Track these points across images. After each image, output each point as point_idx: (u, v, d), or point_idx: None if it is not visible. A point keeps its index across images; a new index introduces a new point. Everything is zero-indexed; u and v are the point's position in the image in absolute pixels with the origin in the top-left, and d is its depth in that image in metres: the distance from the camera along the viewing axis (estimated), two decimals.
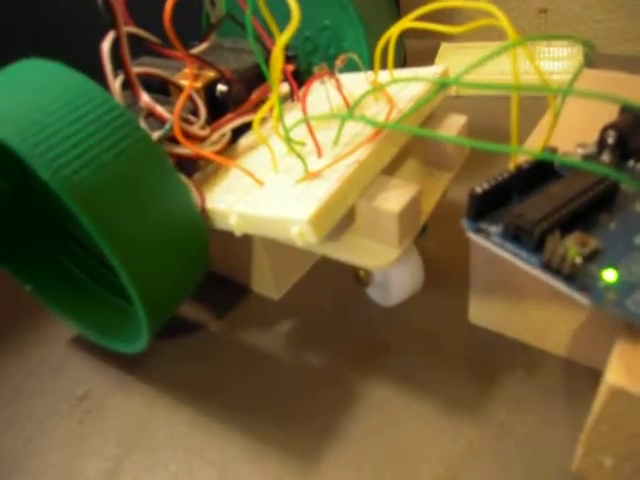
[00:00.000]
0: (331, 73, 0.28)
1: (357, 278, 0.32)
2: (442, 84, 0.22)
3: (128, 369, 0.32)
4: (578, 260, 0.21)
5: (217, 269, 0.36)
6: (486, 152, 0.22)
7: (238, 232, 0.27)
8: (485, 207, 0.24)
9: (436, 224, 0.33)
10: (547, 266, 0.22)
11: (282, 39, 0.22)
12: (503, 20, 0.23)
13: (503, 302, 0.30)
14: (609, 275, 0.21)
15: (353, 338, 0.32)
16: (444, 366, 0.30)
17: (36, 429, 0.30)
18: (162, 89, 0.33)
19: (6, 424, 0.31)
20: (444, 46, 0.61)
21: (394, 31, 0.28)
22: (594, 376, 0.22)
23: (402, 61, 0.48)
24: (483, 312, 0.31)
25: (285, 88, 0.35)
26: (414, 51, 0.63)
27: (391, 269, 0.30)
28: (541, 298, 0.28)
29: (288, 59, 0.35)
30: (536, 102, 0.35)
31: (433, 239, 0.34)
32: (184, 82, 0.32)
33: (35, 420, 0.31)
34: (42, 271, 0.34)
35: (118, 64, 0.30)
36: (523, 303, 0.29)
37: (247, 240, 0.32)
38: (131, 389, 0.32)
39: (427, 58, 0.59)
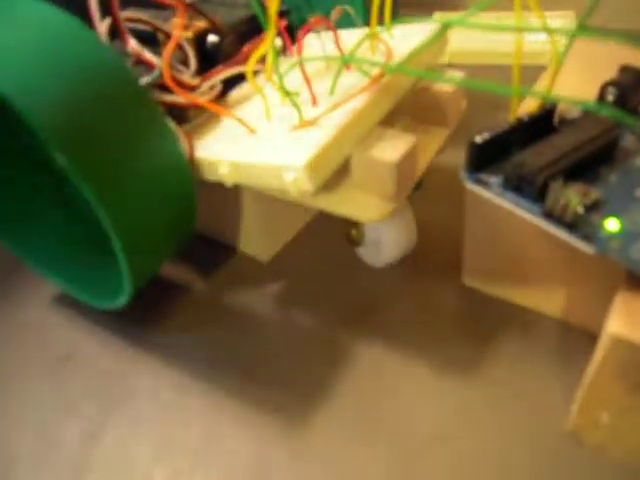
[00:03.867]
0: (327, 21, 0.27)
1: (348, 238, 0.31)
2: (445, 26, 0.21)
3: (112, 331, 0.32)
4: (580, 209, 0.21)
5: (205, 230, 0.35)
6: (483, 114, 0.22)
7: (229, 182, 0.26)
8: (484, 159, 0.24)
9: (431, 185, 0.32)
10: (549, 215, 0.21)
11: None
12: None
13: (498, 263, 0.29)
14: (612, 224, 0.21)
15: (344, 300, 0.32)
16: (437, 327, 0.30)
17: (16, 389, 0.29)
18: (150, 40, 0.32)
19: None
20: (437, 15, 0.60)
21: None
22: (589, 338, 0.22)
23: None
24: (477, 273, 0.31)
25: (278, 43, 0.34)
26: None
27: (383, 227, 0.29)
28: (537, 259, 0.28)
29: (281, 14, 0.34)
30: (536, 72, 0.34)
31: (427, 199, 0.33)
32: (174, 31, 0.31)
33: (16, 379, 0.30)
34: (23, 225, 0.33)
35: (105, 13, 0.29)
36: (518, 264, 0.29)
37: (237, 200, 0.31)
38: (115, 351, 0.31)
39: None
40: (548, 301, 0.29)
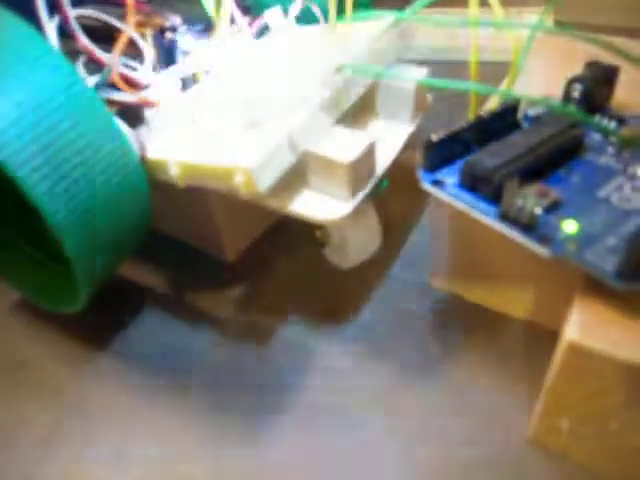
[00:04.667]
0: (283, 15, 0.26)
1: (314, 239, 0.30)
2: (399, 18, 0.20)
3: (71, 335, 0.31)
4: (537, 211, 0.20)
5: (168, 229, 0.34)
6: (450, 113, 0.21)
7: (181, 183, 0.25)
8: (442, 158, 0.23)
9: (395, 184, 0.31)
10: (505, 217, 0.20)
11: None
12: None
13: (463, 264, 0.29)
14: (570, 226, 0.20)
15: (309, 302, 0.31)
16: (402, 329, 0.29)
17: None
18: (108, 39, 0.31)
19: None
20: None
21: None
22: (553, 338, 0.21)
23: None
24: (442, 274, 0.30)
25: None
26: None
27: (347, 228, 0.28)
28: (501, 260, 0.27)
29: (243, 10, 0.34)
30: (500, 68, 0.33)
31: (392, 199, 0.33)
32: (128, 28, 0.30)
33: None
34: None
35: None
36: (483, 265, 0.28)
37: (199, 198, 0.30)
38: (73, 354, 0.30)
39: None
40: (513, 302, 0.28)
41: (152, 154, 0.26)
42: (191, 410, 0.26)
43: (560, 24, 0.54)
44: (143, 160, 0.25)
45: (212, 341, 0.29)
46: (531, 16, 0.55)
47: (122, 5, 0.30)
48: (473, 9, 0.20)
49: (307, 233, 0.29)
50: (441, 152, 0.23)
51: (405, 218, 0.34)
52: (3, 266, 0.31)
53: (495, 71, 0.31)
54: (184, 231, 0.34)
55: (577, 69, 0.27)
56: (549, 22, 0.53)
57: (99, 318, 0.31)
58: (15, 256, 0.32)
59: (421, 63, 0.30)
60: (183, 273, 0.34)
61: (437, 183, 0.23)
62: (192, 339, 0.30)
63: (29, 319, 0.32)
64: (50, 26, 0.27)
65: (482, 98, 0.25)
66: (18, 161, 0.21)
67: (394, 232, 0.32)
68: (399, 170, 0.29)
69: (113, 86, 0.27)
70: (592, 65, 0.27)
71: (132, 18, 0.27)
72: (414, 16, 0.20)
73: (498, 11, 0.21)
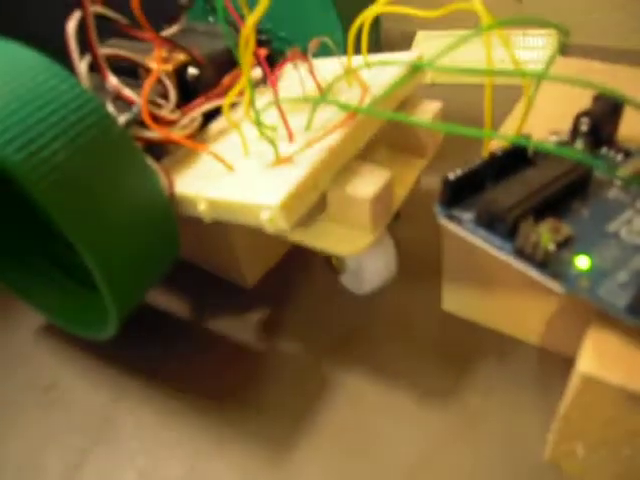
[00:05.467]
0: (303, 56, 0.28)
1: (330, 265, 0.31)
2: (415, 68, 0.21)
3: (96, 359, 0.32)
4: (551, 247, 0.21)
5: (188, 256, 0.35)
6: (460, 140, 0.22)
7: (207, 219, 0.26)
8: (458, 194, 0.24)
9: (410, 211, 0.32)
10: (520, 253, 0.21)
11: (252, 18, 0.21)
12: (477, 4, 0.23)
13: (476, 290, 0.30)
14: (582, 262, 0.21)
15: (326, 326, 0.32)
16: (417, 354, 0.30)
17: (1, 419, 0.29)
18: (131, 73, 0.32)
19: None
20: (420, 34, 0.60)
21: (368, 14, 0.27)
22: (566, 364, 0.22)
23: (377, 46, 0.48)
24: (456, 300, 0.31)
25: (258, 73, 0.34)
26: (390, 37, 0.62)
27: (364, 256, 0.29)
28: (513, 286, 0.28)
29: (261, 43, 0.35)
30: (511, 91, 0.35)
31: (406, 226, 0.34)
32: (153, 65, 0.31)
33: (1, 410, 0.30)
34: (12, 263, 0.33)
35: (84, 46, 0.29)
36: (495, 291, 0.29)
37: (219, 227, 0.31)
38: (99, 379, 0.31)
39: (403, 45, 0.59)
40: (525, 328, 0.29)
41: (180, 189, 0.27)
42: (218, 433, 0.27)
43: (568, 48, 0.55)
44: (171, 195, 0.27)
45: (232, 366, 0.30)
46: (537, 39, 0.56)
47: (142, 39, 0.31)
48: (489, 59, 0.21)
49: (323, 259, 0.30)
50: (457, 189, 0.24)
51: (419, 244, 0.35)
52: (35, 293, 0.33)
53: (507, 95, 0.32)
54: (205, 259, 0.35)
55: (585, 101, 0.28)
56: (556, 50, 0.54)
57: (125, 342, 0.32)
58: (48, 284, 0.33)
59: (426, 86, 0.31)
60: (204, 299, 0.35)
61: (453, 218, 0.24)
62: (211, 362, 0.31)
63: (55, 343, 0.33)
64: (81, 66, 0.28)
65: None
66: (59, 200, 0.22)
67: (408, 259, 0.33)
68: (413, 197, 0.30)
69: (140, 122, 0.28)
70: (599, 99, 0.28)
71: (159, 58, 0.28)
72: (432, 64, 0.21)
73: (512, 57, 0.23)
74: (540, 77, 0.21)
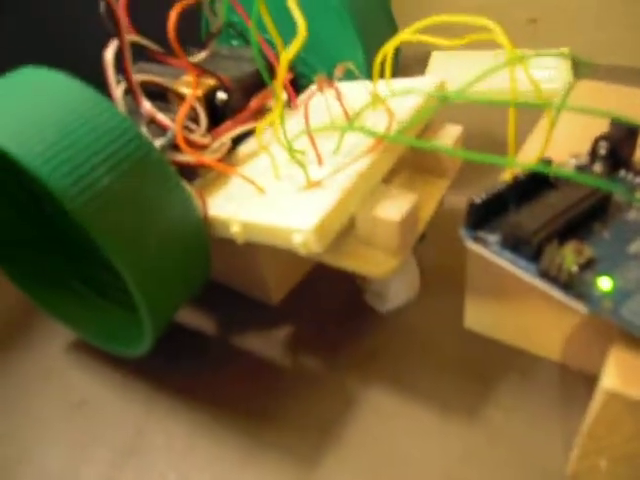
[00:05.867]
0: (331, 83, 0.29)
1: (355, 284, 0.32)
2: (442, 99, 0.22)
3: (126, 374, 0.33)
4: (574, 268, 0.22)
5: (215, 276, 0.36)
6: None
7: (240, 240, 0.27)
8: (483, 216, 0.25)
9: (432, 230, 0.33)
10: (545, 274, 0.22)
11: (287, 55, 0.22)
12: (500, 36, 0.24)
13: (498, 308, 0.31)
14: (605, 283, 0.22)
15: (351, 343, 0.33)
16: (440, 371, 0.31)
17: (34, 435, 0.30)
18: (160, 96, 0.34)
19: (4, 430, 0.31)
20: (435, 54, 0.61)
21: (392, 44, 0.28)
22: (588, 381, 0.23)
23: (396, 66, 0.49)
24: (478, 317, 0.32)
25: (283, 96, 0.36)
26: (406, 54, 0.63)
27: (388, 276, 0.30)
28: (535, 304, 0.29)
29: None
30: (526, 109, 0.36)
31: (430, 245, 0.35)
32: (184, 90, 0.33)
33: (33, 426, 0.31)
34: (45, 284, 0.34)
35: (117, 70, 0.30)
36: (517, 309, 0.30)
37: (246, 246, 0.32)
38: (129, 394, 0.32)
39: (420, 62, 0.60)
40: (546, 345, 0.30)
41: (213, 211, 0.28)
42: (246, 447, 0.28)
43: (580, 65, 0.56)
44: (205, 217, 0.28)
45: (259, 380, 0.31)
46: (550, 59, 0.57)
47: (171, 63, 0.33)
48: (513, 91, 0.22)
49: (347, 276, 0.31)
50: (482, 212, 0.25)
51: (441, 263, 0.36)
52: (68, 312, 0.34)
53: (528, 115, 0.33)
54: (231, 277, 0.36)
55: (603, 122, 0.29)
56: (568, 68, 0.55)
57: (154, 358, 0.33)
58: (80, 303, 0.34)
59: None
60: (231, 316, 0.36)
61: (479, 240, 0.25)
62: (239, 378, 0.32)
63: (85, 359, 0.34)
64: (117, 92, 0.29)
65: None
66: (102, 224, 0.23)
67: (431, 276, 0.34)
68: (435, 216, 0.31)
69: (173, 146, 0.29)
70: (616, 123, 0.29)
71: (194, 85, 0.30)
72: (459, 95, 0.22)
73: (534, 85, 0.24)
74: (560, 108, 0.22)
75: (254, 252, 0.33)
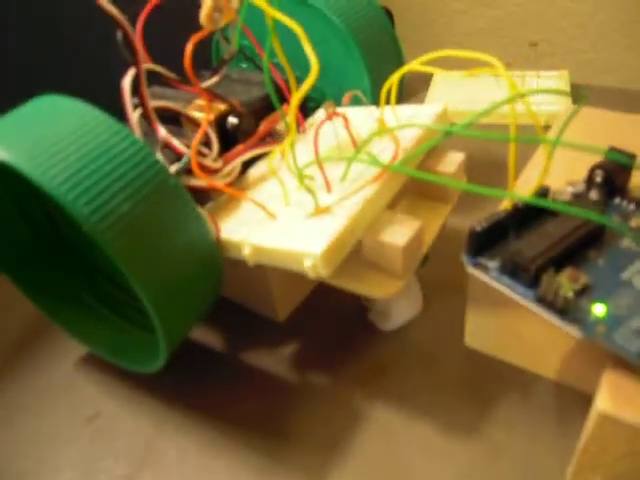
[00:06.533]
0: (338, 114, 0.30)
1: (359, 301, 0.34)
2: (445, 132, 0.24)
3: (137, 389, 0.34)
4: (570, 295, 0.23)
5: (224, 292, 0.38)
6: (482, 183, 0.24)
7: (251, 263, 0.28)
8: (483, 243, 0.26)
9: (435, 251, 0.35)
10: (542, 300, 0.23)
11: (300, 93, 0.24)
12: (501, 70, 0.25)
13: (498, 327, 0.32)
14: (598, 309, 0.23)
15: (355, 360, 0.34)
16: (442, 388, 0.32)
17: (47, 449, 0.31)
18: (173, 119, 0.35)
19: (17, 443, 0.32)
20: (437, 77, 0.63)
21: (398, 75, 0.29)
22: (585, 399, 0.24)
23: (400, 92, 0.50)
24: (479, 336, 0.33)
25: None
26: (410, 75, 0.65)
27: (392, 298, 0.31)
28: (534, 324, 0.30)
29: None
30: (525, 132, 0.37)
31: (431, 266, 0.36)
32: (197, 114, 0.34)
33: (46, 439, 0.32)
34: (60, 301, 0.35)
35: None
36: (517, 329, 0.31)
37: (257, 269, 0.33)
38: (140, 409, 0.33)
39: (423, 82, 0.61)
40: (545, 365, 0.31)
41: (225, 235, 0.29)
42: (255, 463, 0.29)
43: (578, 88, 0.58)
44: (218, 240, 0.29)
45: (266, 396, 0.33)
46: (549, 81, 0.59)
47: (184, 88, 0.34)
48: (513, 125, 0.24)
49: (351, 295, 0.32)
50: (483, 239, 0.26)
51: (443, 282, 0.37)
52: (83, 329, 0.35)
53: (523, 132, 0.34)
54: (238, 294, 0.37)
55: (602, 141, 0.30)
56: (566, 86, 0.56)
57: (165, 373, 0.34)
58: (95, 320, 0.35)
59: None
60: (238, 333, 0.37)
61: (479, 266, 0.26)
62: (247, 394, 0.33)
63: (97, 374, 0.35)
64: (133, 119, 0.30)
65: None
66: (123, 248, 0.24)
67: (434, 295, 0.35)
68: (439, 239, 0.32)
69: (188, 171, 0.30)
70: (612, 151, 0.30)
71: (208, 111, 0.31)
72: (463, 130, 0.23)
73: (532, 118, 0.25)
74: (555, 143, 0.23)
75: (265, 271, 0.34)
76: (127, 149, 0.26)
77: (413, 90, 0.61)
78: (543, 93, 0.49)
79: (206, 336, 0.37)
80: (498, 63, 0.26)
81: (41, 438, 0.32)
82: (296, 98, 0.24)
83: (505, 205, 0.27)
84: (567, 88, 0.57)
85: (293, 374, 0.34)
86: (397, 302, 0.32)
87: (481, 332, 0.33)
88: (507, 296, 0.25)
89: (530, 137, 0.23)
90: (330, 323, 0.37)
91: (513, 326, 0.31)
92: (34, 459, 0.31)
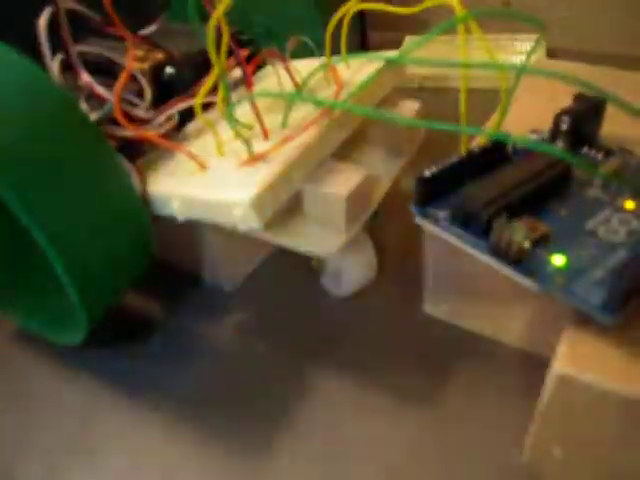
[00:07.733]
0: (280, 56, 0.27)
1: (310, 267, 0.31)
2: (390, 61, 0.21)
3: (70, 364, 0.31)
4: (526, 245, 0.21)
5: (169, 259, 0.35)
6: (445, 142, 0.21)
7: (180, 217, 0.26)
8: (435, 192, 0.24)
9: (390, 213, 0.32)
10: (493, 250, 0.21)
11: (221, 5, 0.21)
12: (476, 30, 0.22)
13: (457, 293, 0.29)
14: (557, 260, 0.21)
15: (306, 330, 0.31)
16: (398, 357, 0.29)
17: None
18: (110, 73, 0.32)
19: None
20: (408, 39, 0.60)
21: (347, 8, 0.27)
22: (547, 366, 0.22)
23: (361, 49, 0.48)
24: (437, 302, 0.31)
25: (238, 73, 0.34)
26: (377, 44, 0.62)
27: (343, 257, 0.29)
28: (494, 289, 0.27)
29: (242, 43, 0.34)
30: (496, 96, 0.34)
31: (387, 228, 0.33)
32: (136, 65, 0.31)
33: None
34: None
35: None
36: (477, 293, 0.29)
37: (199, 229, 0.31)
38: (73, 385, 0.30)
39: (392, 47, 0.59)
40: (506, 330, 0.29)
41: (153, 188, 0.26)
42: (200, 436, 0.27)
43: (554, 52, 0.55)
44: (143, 194, 0.26)
45: (211, 368, 0.30)
46: (524, 44, 0.56)
47: (122, 39, 0.31)
48: (463, 51, 0.21)
49: (303, 262, 0.29)
50: (433, 187, 0.23)
51: (400, 245, 0.34)
52: (7, 297, 0.32)
53: (486, 98, 0.31)
54: (184, 261, 0.35)
55: (567, 100, 0.28)
56: (542, 51, 0.54)
57: (102, 346, 0.31)
58: (17, 288, 0.32)
59: (413, 90, 0.31)
60: (184, 301, 0.34)
61: (429, 216, 0.23)
62: (190, 366, 0.30)
63: (30, 349, 0.32)
64: (54, 63, 0.28)
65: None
66: (26, 197, 0.21)
67: (389, 260, 0.33)
68: (394, 197, 0.29)
69: (114, 121, 0.28)
70: (580, 97, 0.28)
71: (132, 56, 0.28)
72: (406, 57, 0.20)
73: (489, 52, 0.22)
74: (521, 70, 0.20)
75: (209, 235, 0.31)
76: (36, 86, 0.23)
77: None
78: (496, 16, 0.46)
79: (147, 304, 0.34)
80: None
81: None
82: (220, 8, 0.21)
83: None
84: (544, 50, 0.54)
85: (240, 344, 0.31)
86: (349, 264, 0.29)
87: (439, 298, 0.30)
88: (465, 257, 0.23)
89: (484, 62, 0.21)
90: (281, 293, 0.34)
91: (473, 291, 0.28)
92: None
